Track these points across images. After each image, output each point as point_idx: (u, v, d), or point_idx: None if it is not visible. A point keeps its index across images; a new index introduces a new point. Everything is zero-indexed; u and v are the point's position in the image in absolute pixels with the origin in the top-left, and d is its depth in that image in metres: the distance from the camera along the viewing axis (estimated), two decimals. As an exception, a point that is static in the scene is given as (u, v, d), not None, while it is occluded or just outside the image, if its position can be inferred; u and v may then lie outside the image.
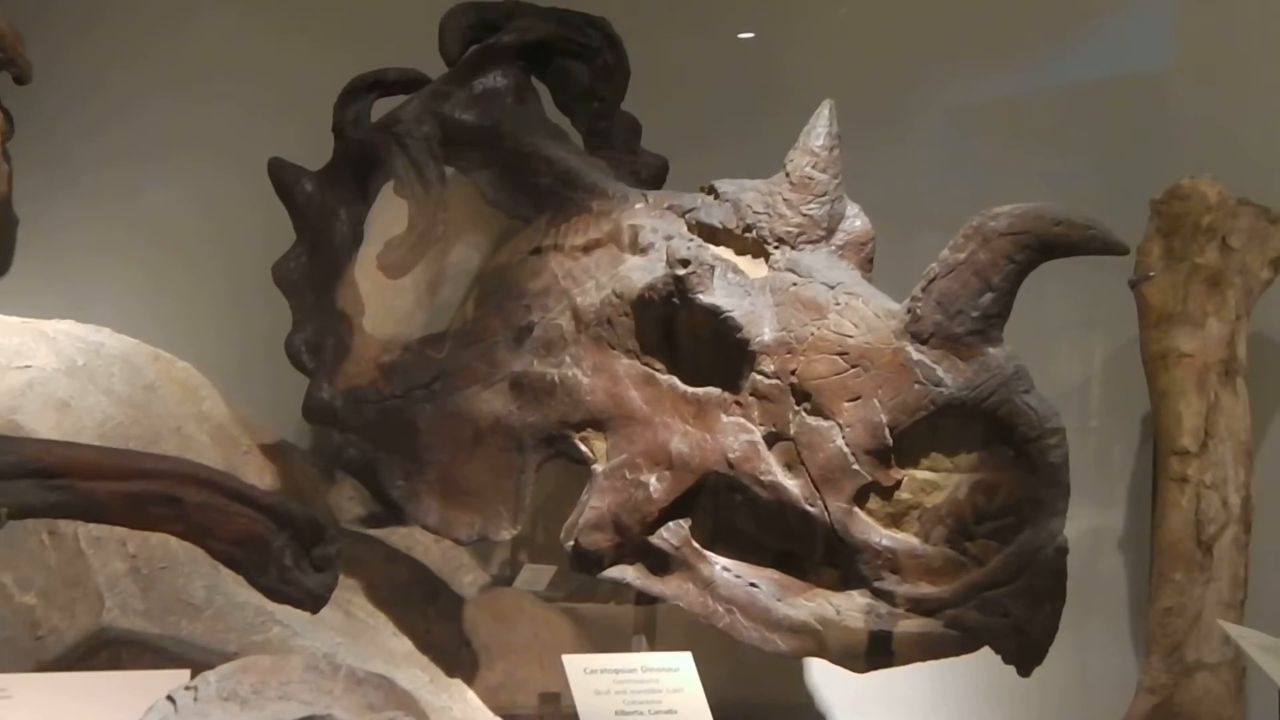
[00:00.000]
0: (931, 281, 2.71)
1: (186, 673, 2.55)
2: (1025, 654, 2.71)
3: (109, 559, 3.17)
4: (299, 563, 2.84)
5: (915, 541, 2.72)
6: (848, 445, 2.75)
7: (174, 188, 4.32)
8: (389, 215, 3.52)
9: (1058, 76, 4.24)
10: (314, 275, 3.59)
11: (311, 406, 3.46)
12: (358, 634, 3.36)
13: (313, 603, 2.87)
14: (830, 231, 3.03)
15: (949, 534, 2.70)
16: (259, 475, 3.61)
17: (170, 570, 3.20)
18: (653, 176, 3.64)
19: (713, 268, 2.93)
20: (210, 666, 2.40)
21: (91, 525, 3.02)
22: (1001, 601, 2.66)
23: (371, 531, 3.80)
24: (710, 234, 3.08)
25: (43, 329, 3.59)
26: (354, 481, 3.70)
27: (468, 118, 3.49)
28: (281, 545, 2.81)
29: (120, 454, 2.87)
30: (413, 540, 3.76)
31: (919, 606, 2.71)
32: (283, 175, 3.65)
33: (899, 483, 2.74)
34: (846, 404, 2.77)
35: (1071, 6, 4.23)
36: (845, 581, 2.80)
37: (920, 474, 2.74)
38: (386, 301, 3.54)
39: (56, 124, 4.31)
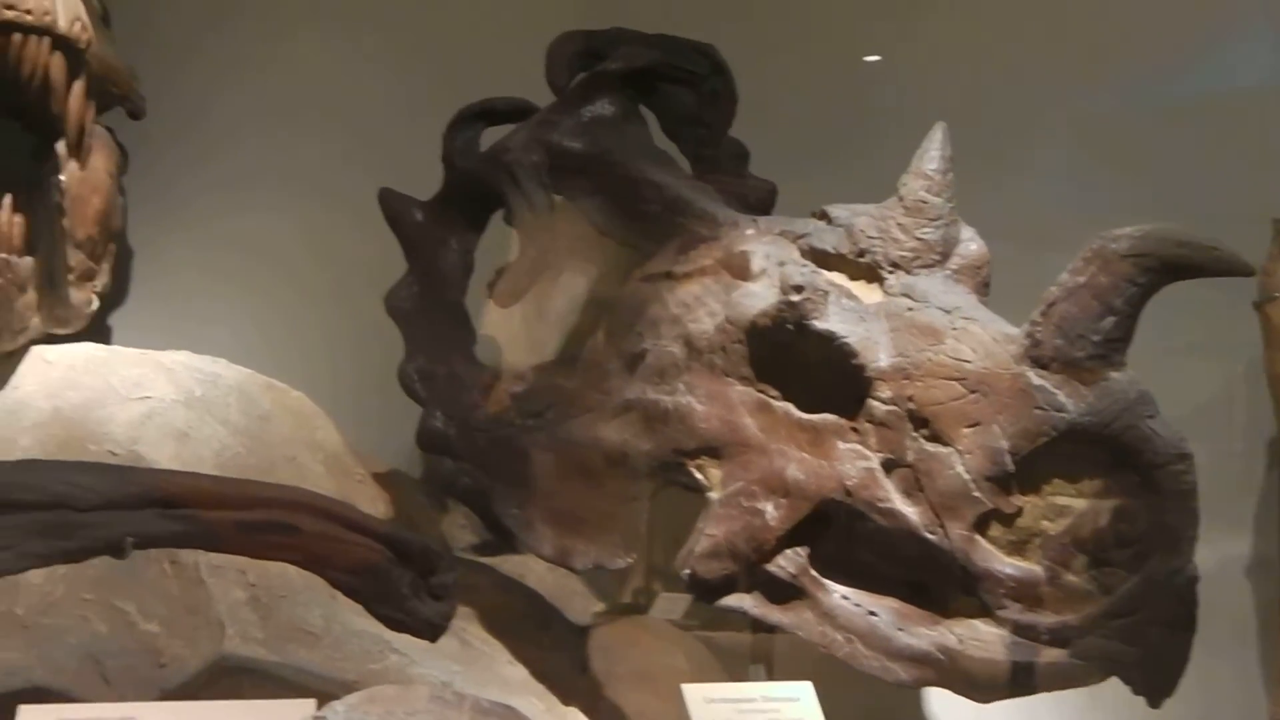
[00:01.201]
0: (1051, 305, 2.68)
1: (312, 702, 2.57)
2: (1155, 685, 2.68)
3: (229, 588, 3.20)
4: (417, 592, 2.86)
5: (1039, 569, 2.69)
6: (968, 472, 2.72)
7: (283, 218, 4.34)
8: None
9: (1177, 93, 4.20)
10: (425, 304, 3.61)
11: (425, 435, 3.48)
12: (474, 662, 3.37)
13: (431, 632, 2.88)
14: (945, 255, 3.01)
15: (1074, 562, 2.67)
16: (372, 504, 3.62)
17: (289, 599, 3.22)
18: (761, 202, 3.63)
19: (826, 293, 2.92)
20: (329, 695, 2.41)
21: (212, 554, 3.03)
22: (1131, 631, 2.62)
23: (484, 559, 3.81)
24: (823, 259, 3.07)
25: (160, 360, 3.64)
26: (466, 509, 3.70)
27: (576, 145, 3.49)
28: (399, 574, 2.83)
29: (239, 484, 2.90)
30: (526, 568, 3.77)
31: (1044, 635, 2.68)
32: (393, 205, 3.67)
33: (1020, 510, 2.71)
34: (965, 430, 2.74)
35: (1191, 21, 4.18)
36: (967, 610, 2.78)
37: (1042, 501, 2.70)
38: (504, 330, 3.55)
39: (164, 155, 4.34)
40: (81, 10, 3.30)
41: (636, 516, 3.17)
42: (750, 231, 3.20)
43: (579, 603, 3.80)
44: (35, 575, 2.99)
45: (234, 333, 4.18)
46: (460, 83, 3.93)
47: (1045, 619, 2.68)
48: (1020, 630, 2.69)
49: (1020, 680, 2.72)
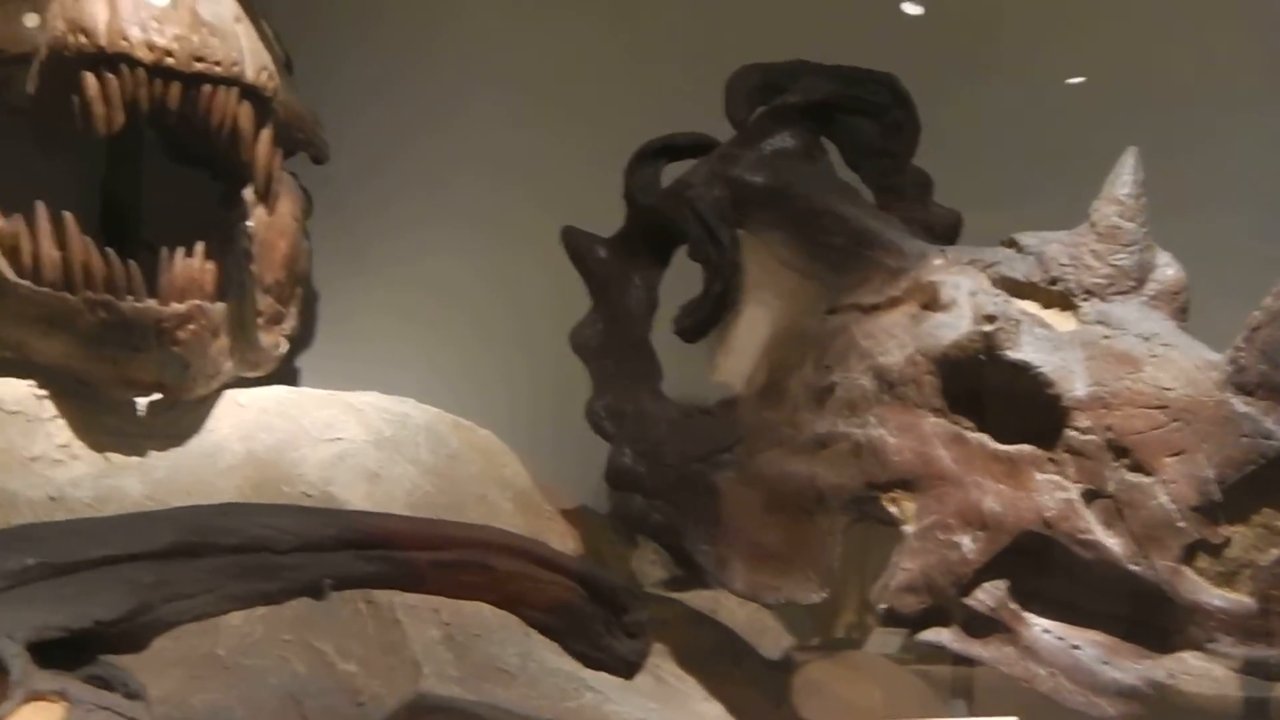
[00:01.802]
0: (1255, 330, 2.62)
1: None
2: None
3: (424, 627, 3.21)
4: (611, 629, 2.86)
5: (1250, 601, 2.62)
6: (1172, 502, 2.66)
7: (465, 258, 4.38)
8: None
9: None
10: (611, 341, 3.62)
11: (614, 472, 3.49)
12: (668, 699, 3.35)
13: (627, 669, 2.88)
14: (1141, 282, 2.95)
15: (1287, 592, 2.61)
16: (561, 541, 3.63)
17: (483, 637, 3.24)
18: (946, 231, 3.60)
19: (1019, 322, 2.88)
20: (526, 734, 2.42)
21: (406, 594, 3.05)
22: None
23: (675, 595, 3.79)
24: (1014, 288, 3.03)
25: (350, 401, 3.68)
26: (655, 545, 3.70)
27: (758, 179, 3.48)
28: (594, 612, 2.83)
29: (433, 524, 2.93)
30: (717, 603, 3.75)
31: (1257, 669, 2.61)
32: (576, 243, 3.69)
33: (1228, 540, 2.64)
34: (1168, 459, 2.68)
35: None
36: (1175, 643, 2.71)
37: (1251, 531, 2.63)
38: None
39: (347, 198, 4.40)
40: (268, 59, 3.35)
41: (829, 551, 3.14)
42: (938, 261, 3.16)
43: (771, 638, 3.78)
44: (235, 616, 3.02)
45: (419, 372, 4.22)
46: (640, 119, 3.93)
47: (1258, 652, 2.61)
48: (1232, 664, 2.63)
49: (1250, 716, 2.66)
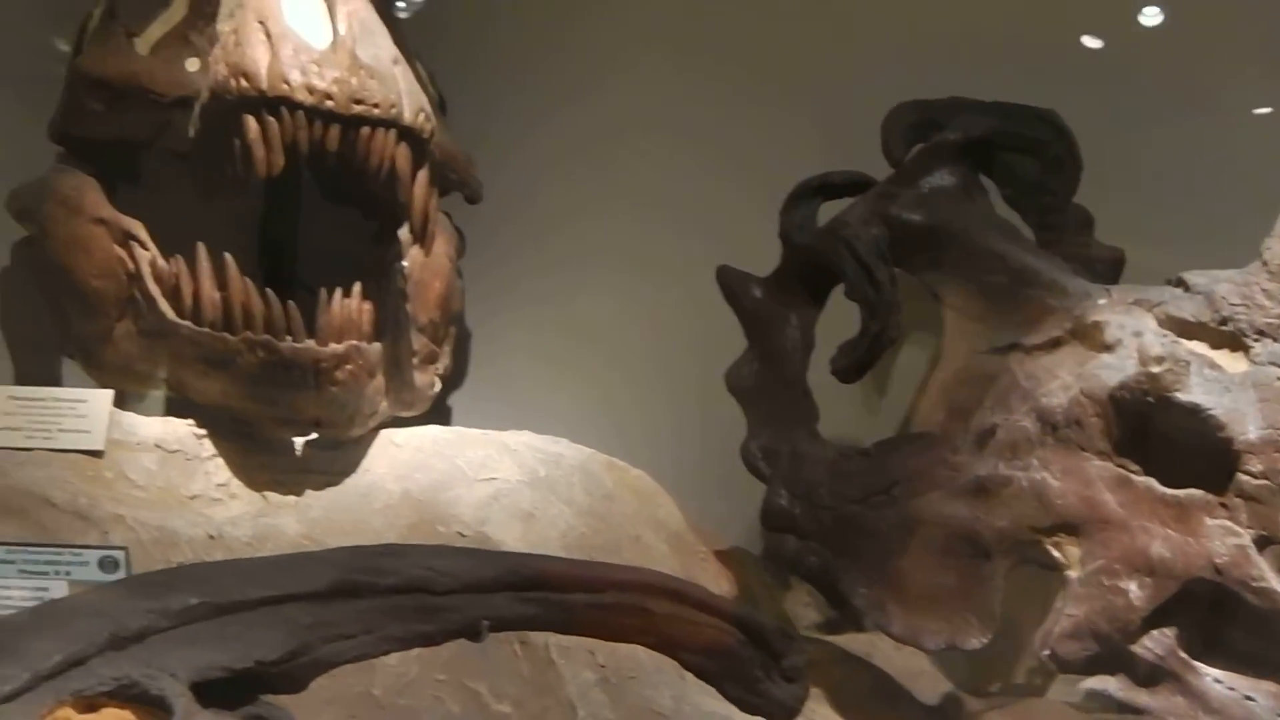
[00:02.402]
0: None
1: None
2: None
3: (579, 669, 3.20)
4: (769, 673, 2.82)
5: None
6: (1350, 550, 2.59)
7: (615, 296, 4.38)
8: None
9: None
10: (766, 381, 3.59)
11: (770, 513, 3.45)
12: (824, 743, 3.33)
13: (785, 714, 2.83)
14: (1316, 322, 2.88)
15: None
16: (715, 582, 3.60)
17: (638, 680, 3.21)
18: (1109, 269, 3.54)
19: (1188, 363, 2.82)
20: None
21: (560, 635, 3.04)
22: None
23: (829, 638, 3.75)
24: (1182, 328, 2.97)
25: (504, 441, 3.69)
26: (809, 587, 3.66)
27: (916, 218, 3.44)
28: (751, 655, 2.80)
29: (590, 566, 2.90)
30: (872, 646, 3.69)
31: None
32: (731, 282, 3.67)
33: None
34: (1346, 505, 2.62)
35: None
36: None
37: None
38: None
39: (498, 236, 4.41)
40: (425, 102, 3.37)
41: (991, 595, 3.08)
42: (1103, 301, 3.11)
43: (926, 682, 3.71)
44: (391, 657, 3.02)
45: (570, 411, 4.22)
46: (794, 157, 3.90)
47: None
48: None
49: None
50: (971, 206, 3.49)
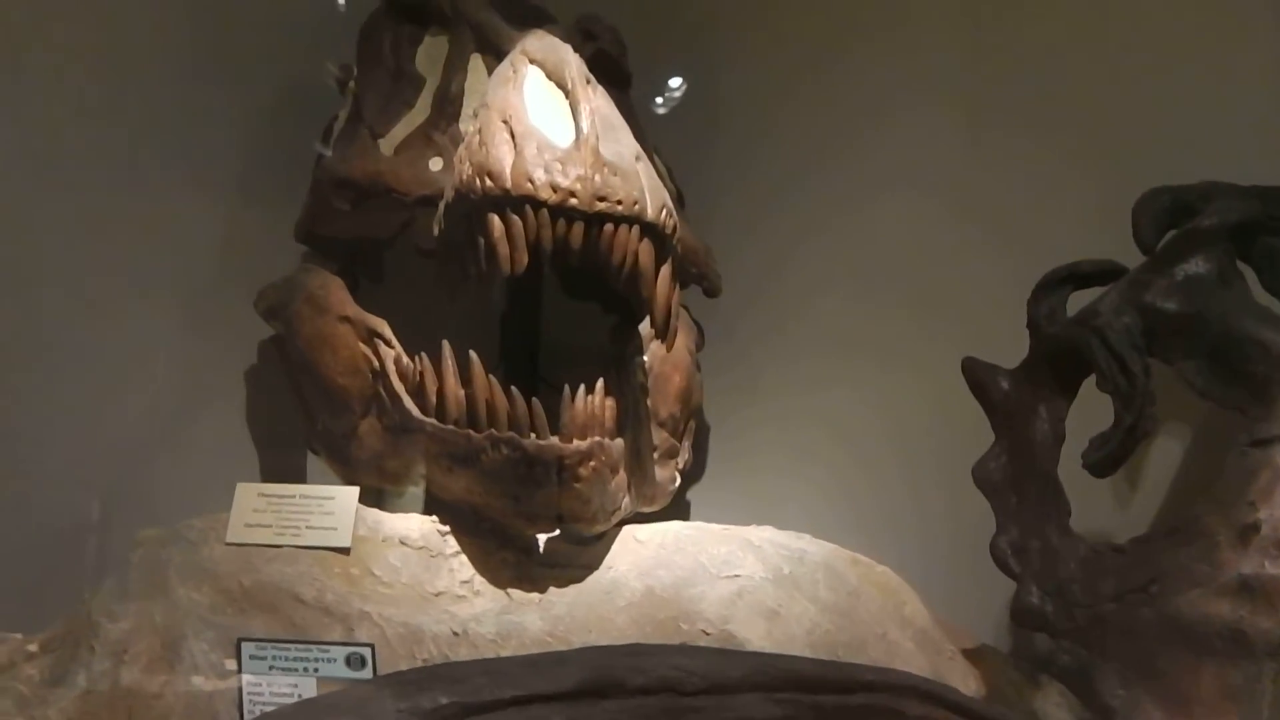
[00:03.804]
0: None
1: None
2: None
3: (826, 772, 3.14)
4: (1025, 779, 2.75)
5: None
6: None
7: (856, 389, 4.32)
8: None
9: None
10: (1016, 475, 3.50)
11: (1021, 611, 3.36)
12: None
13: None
14: None
15: None
16: (963, 681, 3.51)
17: (888, 784, 3.14)
18: (1373, 358, 3.40)
19: None
20: None
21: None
22: None
23: (1083, 738, 3.64)
24: None
25: (747, 537, 3.64)
26: (1060, 687, 3.54)
27: (1170, 306, 3.33)
28: (1007, 760, 2.73)
29: (840, 667, 2.85)
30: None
31: None
32: (978, 374, 3.60)
33: None
34: None
35: None
36: None
37: None
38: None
39: (736, 328, 4.40)
40: (667, 198, 3.36)
41: (1257, 699, 2.96)
42: (1369, 390, 2.99)
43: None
44: (633, 756, 3.00)
45: (811, 506, 4.17)
46: (1041, 246, 3.81)
47: None
48: None
49: None
50: (1229, 293, 3.37)
